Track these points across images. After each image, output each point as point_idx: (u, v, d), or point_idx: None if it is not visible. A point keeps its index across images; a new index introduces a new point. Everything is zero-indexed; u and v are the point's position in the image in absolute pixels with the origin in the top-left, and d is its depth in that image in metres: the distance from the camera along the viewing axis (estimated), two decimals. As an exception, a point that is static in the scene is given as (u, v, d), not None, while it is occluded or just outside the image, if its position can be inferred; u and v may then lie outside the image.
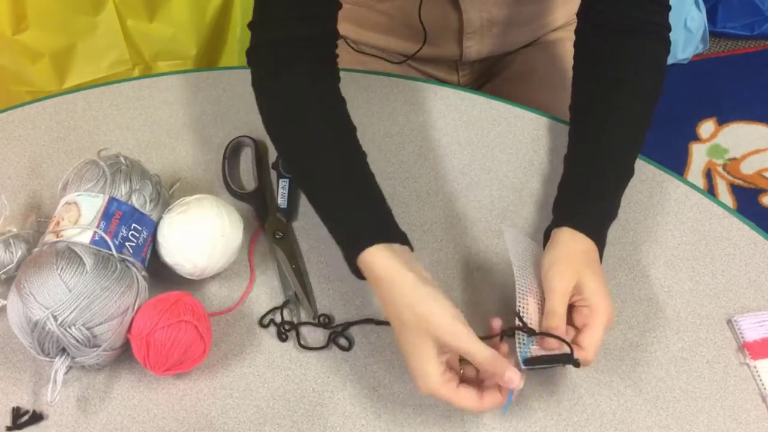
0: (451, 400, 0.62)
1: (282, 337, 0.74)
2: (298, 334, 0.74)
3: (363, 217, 0.71)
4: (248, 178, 0.87)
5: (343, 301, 0.77)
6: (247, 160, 0.88)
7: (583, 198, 0.76)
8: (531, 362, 0.66)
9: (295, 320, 0.75)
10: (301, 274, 0.78)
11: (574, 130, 0.82)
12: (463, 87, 0.96)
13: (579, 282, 0.68)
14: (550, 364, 0.67)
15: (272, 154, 0.88)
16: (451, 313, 0.62)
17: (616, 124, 0.78)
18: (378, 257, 0.66)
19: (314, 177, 0.74)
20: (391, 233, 0.69)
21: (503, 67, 1.08)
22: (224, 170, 0.85)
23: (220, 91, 0.95)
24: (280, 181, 0.85)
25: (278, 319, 0.75)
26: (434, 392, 0.62)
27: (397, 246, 0.67)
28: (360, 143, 0.76)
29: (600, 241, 0.73)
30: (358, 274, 0.69)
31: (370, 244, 0.66)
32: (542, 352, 0.67)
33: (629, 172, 0.78)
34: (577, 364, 0.66)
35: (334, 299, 0.77)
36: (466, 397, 0.63)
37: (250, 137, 0.88)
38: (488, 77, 1.12)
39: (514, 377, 0.61)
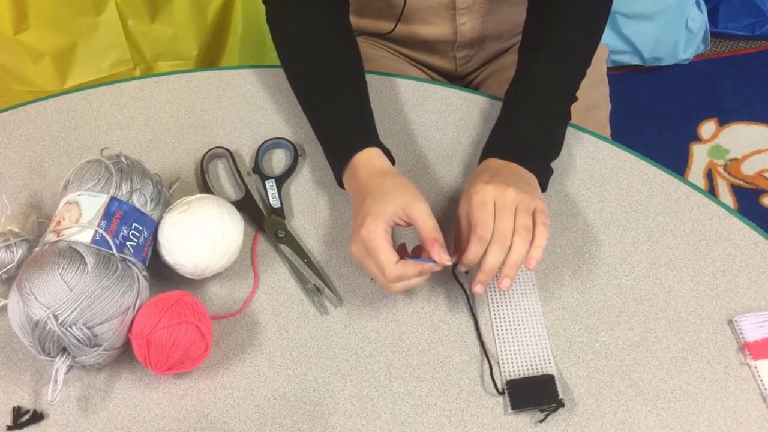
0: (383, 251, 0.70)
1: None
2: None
3: (365, 125, 0.82)
4: (229, 188, 0.87)
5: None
6: (223, 171, 0.88)
7: (499, 132, 0.83)
8: (518, 404, 0.70)
9: (322, 311, 0.77)
10: (315, 267, 0.79)
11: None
12: (463, 87, 0.96)
13: (467, 197, 0.74)
14: (536, 406, 0.70)
15: (246, 160, 0.88)
16: (422, 196, 0.73)
17: (538, 65, 0.84)
18: (376, 153, 0.78)
19: (321, 90, 0.84)
20: (385, 147, 0.80)
21: (502, 66, 1.08)
22: (207, 183, 0.85)
23: (221, 91, 0.95)
24: (266, 182, 0.85)
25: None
26: (378, 242, 0.70)
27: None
28: (360, 59, 0.87)
29: (513, 157, 0.78)
30: (340, 174, 0.79)
31: (372, 145, 0.78)
32: (521, 375, 0.72)
33: (551, 102, 0.83)
34: (558, 405, 0.70)
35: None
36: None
37: (223, 147, 0.88)
38: (487, 73, 1.11)
39: (444, 256, 0.71)
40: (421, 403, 0.71)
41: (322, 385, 0.72)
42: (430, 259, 0.71)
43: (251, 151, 0.89)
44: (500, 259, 0.71)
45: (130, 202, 0.74)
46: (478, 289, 0.72)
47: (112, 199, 0.73)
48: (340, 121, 0.82)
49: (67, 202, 0.73)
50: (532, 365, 0.73)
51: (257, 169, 0.86)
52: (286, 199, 0.85)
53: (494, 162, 0.79)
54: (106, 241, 0.70)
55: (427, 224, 0.72)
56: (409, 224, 0.73)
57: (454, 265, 0.77)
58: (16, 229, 0.77)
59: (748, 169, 1.81)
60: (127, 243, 0.72)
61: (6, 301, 0.70)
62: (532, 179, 0.78)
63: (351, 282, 0.79)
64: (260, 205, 0.84)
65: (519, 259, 0.71)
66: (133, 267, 0.71)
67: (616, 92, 1.13)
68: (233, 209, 0.77)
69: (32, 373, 0.72)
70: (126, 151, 0.85)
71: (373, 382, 0.72)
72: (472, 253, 0.71)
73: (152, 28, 1.46)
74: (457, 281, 0.77)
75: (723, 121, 1.90)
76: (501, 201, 0.72)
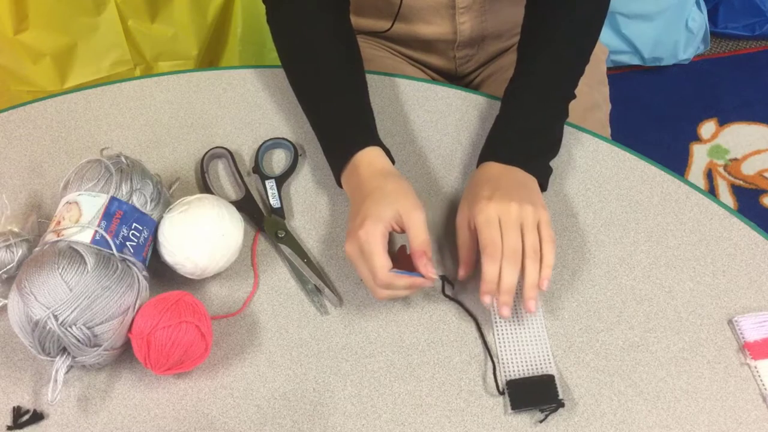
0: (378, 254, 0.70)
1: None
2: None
3: (366, 124, 0.81)
4: (229, 188, 0.87)
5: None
6: (223, 171, 0.88)
7: (498, 133, 0.83)
8: (518, 404, 0.70)
9: (322, 311, 0.76)
10: (315, 267, 0.79)
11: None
12: (463, 87, 0.96)
13: (470, 215, 0.74)
14: (536, 406, 0.70)
15: (246, 160, 0.88)
16: (420, 205, 0.73)
17: (536, 64, 0.84)
18: (377, 153, 0.78)
19: (321, 89, 0.84)
20: (385, 147, 0.80)
21: (502, 66, 1.08)
22: (207, 183, 0.85)
23: (221, 91, 0.95)
24: (266, 182, 0.85)
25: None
26: (374, 245, 0.70)
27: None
28: (360, 58, 0.87)
29: (511, 160, 0.78)
30: (339, 172, 0.79)
31: (374, 144, 0.79)
32: (522, 375, 0.72)
33: (549, 100, 0.84)
34: (558, 405, 0.70)
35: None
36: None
37: (223, 147, 0.88)
38: (487, 74, 1.11)
39: (430, 269, 0.71)
40: (421, 403, 0.71)
41: (322, 385, 0.72)
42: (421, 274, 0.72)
43: (251, 151, 0.89)
44: (515, 276, 0.71)
45: (130, 202, 0.74)
46: (505, 311, 0.72)
47: (112, 199, 0.73)
48: (341, 120, 0.82)
49: (67, 202, 0.73)
50: (532, 365, 0.73)
51: (257, 169, 0.86)
52: (286, 199, 0.85)
53: (493, 169, 0.79)
54: (106, 241, 0.70)
55: (419, 236, 0.72)
56: (403, 231, 0.73)
57: (443, 285, 0.77)
58: (16, 229, 0.77)
59: (748, 169, 1.81)
60: (127, 243, 0.72)
61: (6, 301, 0.70)
62: (533, 183, 0.78)
63: (351, 282, 0.79)
64: (260, 205, 0.84)
65: (535, 280, 0.72)
66: (133, 267, 0.71)
67: (616, 92, 1.13)
68: (233, 209, 0.77)
69: (32, 373, 0.72)
70: (126, 151, 0.85)
71: (373, 382, 0.72)
72: (489, 273, 0.71)
73: (152, 28, 1.46)
74: (445, 296, 0.77)
75: (723, 121, 1.90)
76: (506, 217, 0.72)
